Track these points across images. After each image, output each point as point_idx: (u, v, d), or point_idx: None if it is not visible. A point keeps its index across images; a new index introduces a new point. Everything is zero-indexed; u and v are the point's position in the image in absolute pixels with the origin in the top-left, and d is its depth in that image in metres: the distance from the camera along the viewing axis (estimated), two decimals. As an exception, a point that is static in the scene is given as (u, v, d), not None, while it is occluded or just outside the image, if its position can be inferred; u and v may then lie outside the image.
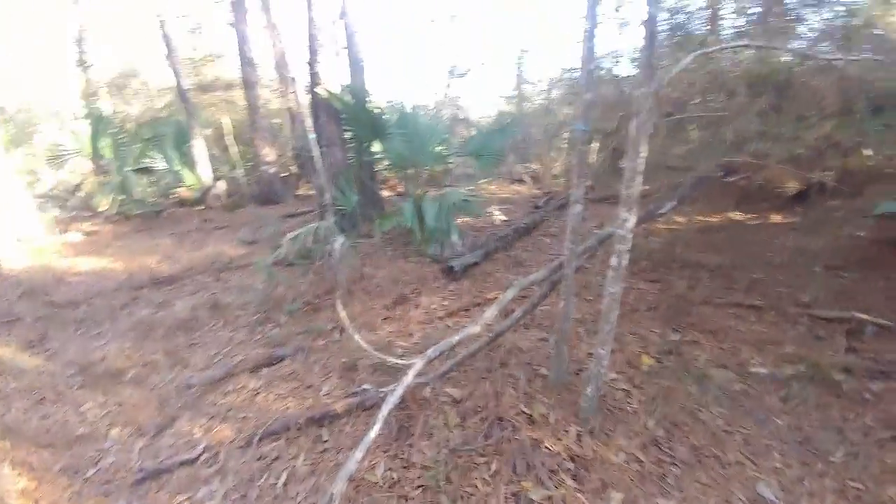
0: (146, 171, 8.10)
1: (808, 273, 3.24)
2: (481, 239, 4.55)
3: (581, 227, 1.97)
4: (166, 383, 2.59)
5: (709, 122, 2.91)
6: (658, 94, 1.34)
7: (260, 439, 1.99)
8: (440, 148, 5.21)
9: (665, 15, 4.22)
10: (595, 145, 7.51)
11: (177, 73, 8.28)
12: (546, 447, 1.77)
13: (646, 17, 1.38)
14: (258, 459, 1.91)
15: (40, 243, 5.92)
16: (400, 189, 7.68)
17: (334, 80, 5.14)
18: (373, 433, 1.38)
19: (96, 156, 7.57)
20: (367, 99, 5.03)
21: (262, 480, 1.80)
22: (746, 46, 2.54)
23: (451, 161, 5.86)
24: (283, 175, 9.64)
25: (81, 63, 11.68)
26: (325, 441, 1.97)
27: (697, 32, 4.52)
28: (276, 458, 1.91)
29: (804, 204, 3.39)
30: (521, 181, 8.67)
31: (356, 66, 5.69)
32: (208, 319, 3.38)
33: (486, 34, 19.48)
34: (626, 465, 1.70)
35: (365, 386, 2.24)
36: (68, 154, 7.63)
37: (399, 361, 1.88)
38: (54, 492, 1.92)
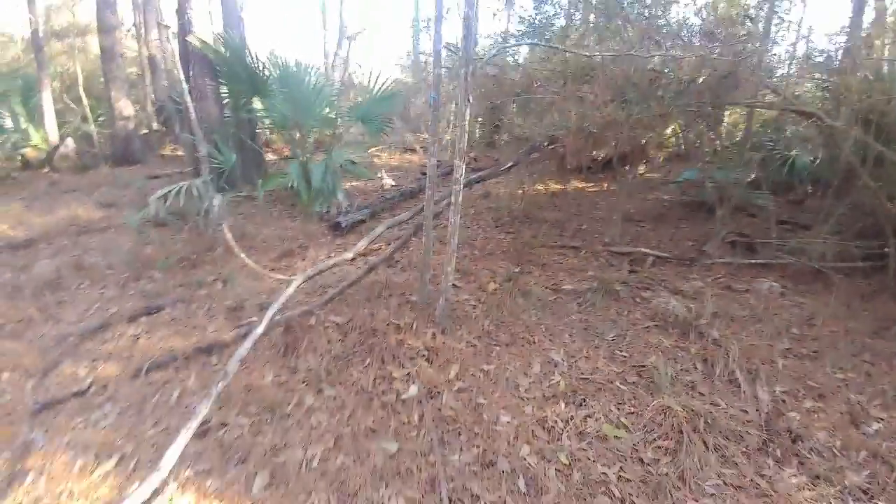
0: None
1: (611, 222, 4.33)
2: (369, 200, 4.90)
3: (438, 179, 2.48)
4: (43, 335, 2.50)
5: (547, 103, 3.65)
6: (469, 77, 1.85)
7: (148, 370, 2.14)
8: (327, 110, 5.31)
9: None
10: (479, 120, 8.27)
11: (32, 20, 6.74)
12: (408, 344, 2.29)
13: (464, 15, 1.87)
14: (149, 385, 2.09)
15: None
16: (286, 152, 7.50)
17: (209, 30, 4.82)
18: (260, 328, 1.71)
19: None
20: (245, 51, 4.82)
21: (156, 398, 2.00)
22: (533, 44, 3.27)
23: (339, 125, 5.98)
24: (143, 132, 8.54)
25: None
26: (215, 364, 2.21)
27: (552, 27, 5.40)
28: (167, 383, 2.11)
29: (605, 170, 4.44)
30: (412, 150, 9.10)
31: (232, 16, 5.36)
32: (74, 279, 3.18)
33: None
34: (465, 349, 2.32)
35: (253, 318, 2.50)
36: None
37: (280, 277, 2.19)
38: None
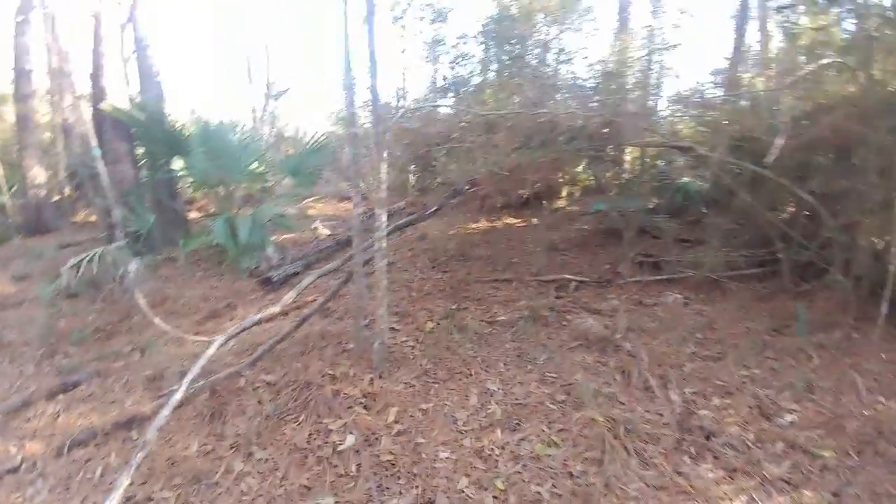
0: None
1: (539, 254, 4.67)
2: (304, 251, 4.85)
3: (365, 225, 2.58)
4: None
5: (465, 151, 3.98)
6: (383, 135, 2.04)
7: (69, 448, 1.98)
8: (255, 165, 5.30)
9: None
10: (413, 167, 8.64)
11: None
12: (344, 393, 2.27)
13: (370, 86, 2.08)
14: (72, 462, 1.95)
15: None
16: (212, 209, 7.26)
17: (126, 94, 4.73)
18: (179, 394, 1.63)
19: None
20: (162, 113, 4.77)
21: (80, 476, 1.84)
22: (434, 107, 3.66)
23: (270, 179, 5.96)
24: (55, 199, 7.90)
25: None
26: (136, 438, 2.04)
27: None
28: (89, 460, 1.96)
29: (529, 207, 4.86)
30: (349, 199, 9.19)
31: (149, 79, 5.30)
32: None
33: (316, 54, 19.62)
34: (404, 391, 2.33)
35: (174, 387, 2.33)
36: None
37: (201, 339, 2.10)
38: None
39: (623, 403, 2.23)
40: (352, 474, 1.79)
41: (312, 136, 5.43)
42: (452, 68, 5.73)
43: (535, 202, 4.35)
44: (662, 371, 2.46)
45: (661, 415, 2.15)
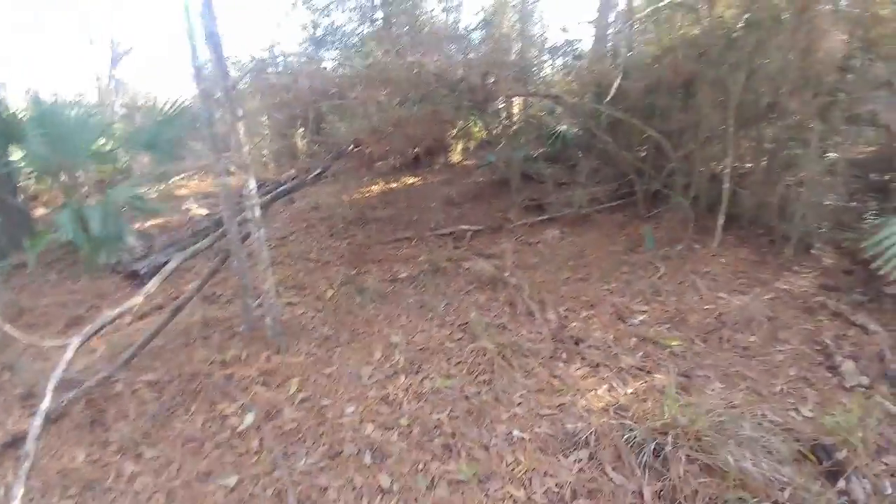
0: None
1: (438, 209, 4.81)
2: (176, 236, 4.32)
3: (234, 198, 2.38)
4: None
5: (345, 108, 3.80)
6: (230, 92, 1.85)
7: None
8: (102, 142, 4.45)
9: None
10: (301, 131, 7.99)
11: None
12: (239, 375, 2.18)
13: (209, 35, 1.84)
14: None
15: None
16: (59, 200, 6.01)
17: None
18: (45, 404, 1.42)
19: None
20: None
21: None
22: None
23: (121, 159, 5.07)
24: None
25: None
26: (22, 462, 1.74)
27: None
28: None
29: (423, 165, 4.92)
30: (230, 173, 8.26)
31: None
32: None
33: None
34: (304, 360, 2.32)
35: (42, 405, 2.01)
36: None
37: (54, 342, 1.84)
38: None
39: (510, 330, 2.50)
40: (254, 450, 1.77)
41: (165, 103, 4.67)
42: (328, 14, 5.26)
43: (429, 159, 4.38)
44: (542, 297, 2.79)
45: (540, 333, 2.47)
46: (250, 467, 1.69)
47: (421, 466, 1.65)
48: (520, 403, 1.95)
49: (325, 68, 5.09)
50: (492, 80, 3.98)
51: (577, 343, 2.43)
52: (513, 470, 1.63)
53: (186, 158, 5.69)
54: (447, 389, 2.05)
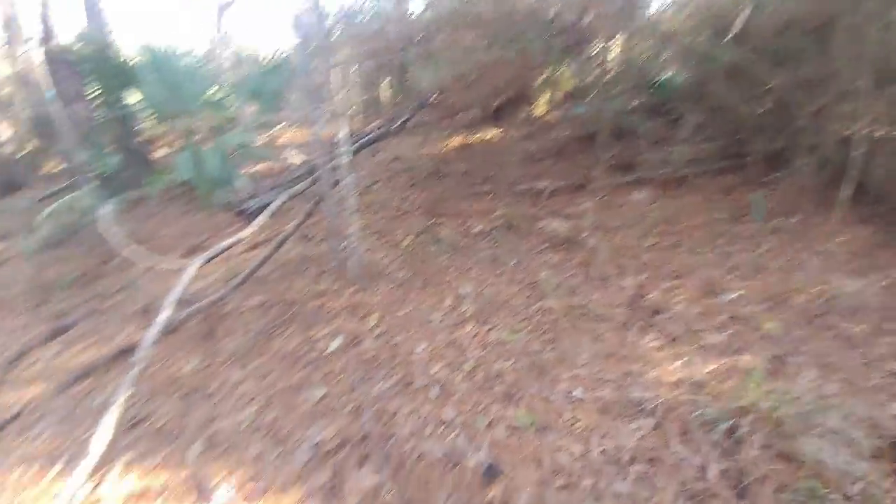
0: None
1: (516, 164, 4.67)
2: (278, 181, 4.79)
3: (324, 142, 2.55)
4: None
5: (431, 55, 3.74)
6: (325, 40, 1.92)
7: (71, 384, 2.14)
8: (211, 92, 4.97)
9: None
10: (389, 80, 8.10)
11: None
12: (328, 307, 2.46)
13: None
14: (73, 397, 2.10)
15: None
16: (177, 144, 6.95)
17: (72, 31, 4.26)
18: (165, 314, 1.78)
19: None
20: (107, 45, 4.33)
21: (85, 406, 2.04)
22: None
23: (229, 107, 5.62)
24: (22, 154, 7.52)
25: None
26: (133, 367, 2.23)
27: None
28: (92, 391, 2.12)
29: (504, 118, 4.73)
30: (324, 122, 8.75)
31: (92, 10, 4.77)
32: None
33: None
34: (382, 300, 2.53)
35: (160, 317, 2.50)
36: None
37: (179, 262, 2.22)
38: None
39: (581, 293, 2.45)
40: (338, 371, 2.03)
41: (266, 55, 5.01)
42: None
43: (511, 111, 4.20)
44: (620, 262, 2.65)
45: (614, 299, 2.38)
46: (334, 385, 1.95)
47: (482, 407, 1.76)
48: (583, 365, 1.95)
49: (412, 13, 5.00)
50: (589, 18, 3.60)
51: (654, 314, 2.31)
52: (571, 426, 1.68)
53: (285, 108, 6.16)
54: (511, 342, 2.11)
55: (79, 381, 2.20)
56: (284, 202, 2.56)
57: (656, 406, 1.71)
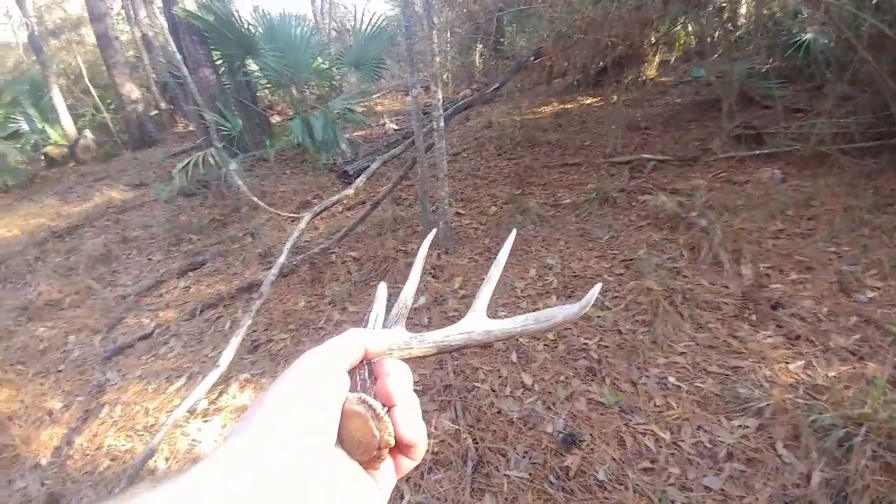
0: (15, 135, 7.11)
1: (616, 134, 4.28)
2: (374, 146, 5.03)
3: (420, 107, 2.59)
4: (103, 300, 2.95)
5: (531, 14, 3.53)
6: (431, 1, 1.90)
7: (201, 310, 2.55)
8: (319, 61, 5.31)
9: None
10: (479, 46, 7.93)
11: (28, 23, 6.90)
12: (415, 265, 2.57)
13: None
14: (204, 322, 2.50)
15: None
16: (289, 111, 7.60)
17: None
18: (282, 257, 2.02)
19: None
20: (230, 12, 4.77)
21: (211, 330, 2.41)
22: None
23: (335, 76, 5.97)
24: (153, 113, 8.80)
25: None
26: (255, 298, 2.58)
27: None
28: (219, 317, 2.51)
29: (607, 82, 4.31)
30: (423, 87, 8.91)
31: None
32: (122, 251, 3.63)
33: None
34: (467, 265, 2.57)
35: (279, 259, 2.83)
36: None
37: (293, 215, 2.47)
38: (35, 389, 2.35)
39: (686, 276, 2.22)
40: (424, 324, 2.14)
41: (369, 22, 5.15)
42: None
43: (617, 74, 3.83)
44: (737, 247, 2.33)
45: (726, 287, 2.12)
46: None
47: (562, 378, 1.73)
48: (682, 353, 1.79)
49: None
50: None
51: (774, 307, 2.01)
52: (661, 412, 1.57)
53: (383, 78, 6.37)
54: (599, 319, 2.01)
55: (206, 309, 2.62)
56: (382, 164, 2.68)
57: (765, 406, 1.53)
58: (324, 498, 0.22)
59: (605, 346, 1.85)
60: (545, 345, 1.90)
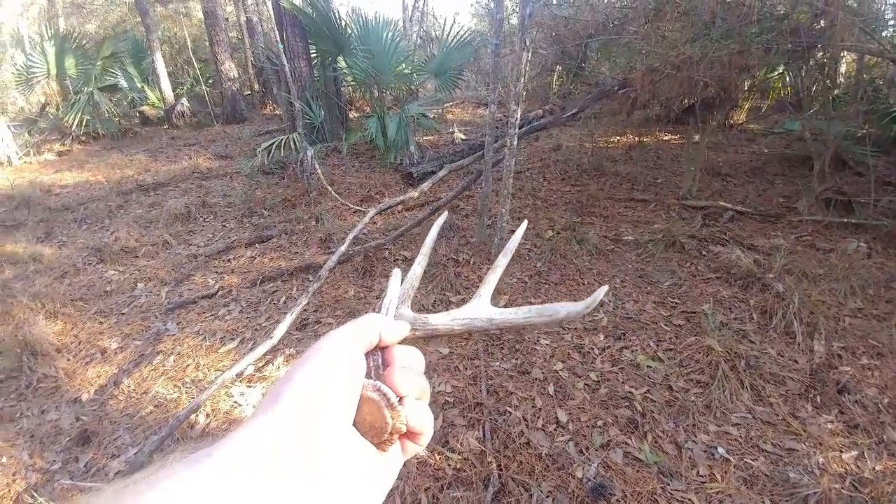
0: (111, 88, 7.96)
1: (693, 176, 4.07)
2: (440, 153, 5.13)
3: (495, 126, 2.61)
4: (176, 255, 3.23)
5: (621, 45, 3.47)
6: (527, 20, 1.92)
7: (262, 281, 2.72)
8: (403, 66, 5.52)
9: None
10: (558, 68, 7.89)
11: None
12: (464, 275, 2.58)
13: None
14: (262, 292, 2.66)
15: (17, 164, 6.07)
16: (367, 109, 7.94)
17: None
18: (343, 247, 2.11)
19: (62, 76, 7.35)
20: (329, 11, 5.11)
21: (268, 301, 2.56)
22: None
23: (415, 81, 6.18)
24: (246, 94, 9.50)
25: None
26: (311, 279, 2.71)
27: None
28: (276, 291, 2.66)
29: (691, 120, 4.11)
30: (485, 105, 9.03)
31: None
32: (200, 214, 3.95)
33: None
34: (516, 284, 2.54)
35: (339, 246, 2.95)
36: (37, 77, 7.33)
37: (358, 208, 2.57)
38: (92, 326, 2.56)
39: (752, 342, 2.06)
40: (465, 336, 2.14)
41: (456, 34, 5.29)
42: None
43: (702, 113, 3.64)
44: (813, 319, 2.13)
45: (795, 361, 1.94)
46: (459, 347, 2.07)
47: (600, 423, 1.66)
48: (737, 424, 1.66)
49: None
50: (824, 22, 2.85)
51: (840, 392, 1.83)
52: (703, 483, 1.46)
53: (458, 88, 6.51)
54: (648, 369, 1.91)
55: (266, 281, 2.78)
56: (449, 172, 2.73)
57: (811, 494, 1.40)
58: (342, 472, 0.25)
59: (652, 400, 1.75)
60: (586, 384, 1.84)
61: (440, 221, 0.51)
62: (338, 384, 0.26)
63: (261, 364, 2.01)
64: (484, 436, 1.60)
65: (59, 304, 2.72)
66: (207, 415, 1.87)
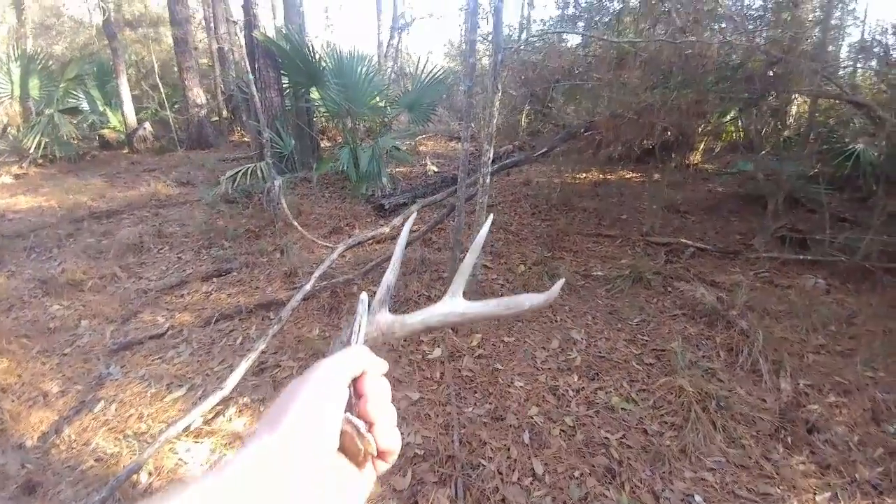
0: (72, 110, 7.61)
1: (655, 213, 4.25)
2: (413, 185, 5.14)
3: (471, 163, 2.64)
4: (125, 290, 2.98)
5: (586, 90, 3.65)
6: (498, 65, 1.97)
7: (217, 320, 2.53)
8: (377, 99, 5.59)
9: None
10: (527, 108, 8.23)
11: (104, 7, 7.60)
12: (436, 314, 2.50)
13: (493, 8, 1.99)
14: (217, 331, 2.47)
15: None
16: (339, 139, 7.94)
17: (271, 23, 5.23)
18: (308, 286, 1.99)
19: (24, 97, 6.98)
20: (304, 45, 5.15)
21: (223, 342, 2.37)
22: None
23: (388, 114, 6.26)
24: (213, 120, 9.32)
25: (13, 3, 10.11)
26: (272, 318, 2.55)
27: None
28: (233, 330, 2.47)
29: (651, 160, 4.35)
30: (457, 139, 9.25)
31: (293, 9, 5.77)
32: (154, 244, 3.71)
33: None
34: (487, 323, 2.48)
35: (304, 282, 2.82)
36: (0, 98, 6.93)
37: (325, 244, 2.47)
38: (35, 367, 2.33)
39: (721, 381, 2.07)
40: (436, 379, 2.04)
41: (429, 72, 5.44)
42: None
43: (662, 155, 3.85)
44: (778, 357, 2.18)
45: (763, 400, 1.96)
46: (430, 392, 1.96)
47: (577, 475, 1.59)
48: (712, 469, 1.63)
49: (572, 47, 4.96)
50: (777, 69, 3.13)
51: (810, 431, 1.85)
52: (683, 534, 1.40)
53: (431, 122, 6.64)
54: (623, 412, 1.87)
55: (222, 320, 2.59)
56: (422, 207, 2.70)
57: None
58: (335, 485, 0.30)
59: (628, 446, 1.70)
60: (562, 430, 1.77)
61: (409, 223, 0.55)
62: (329, 412, 0.30)
63: (210, 416, 1.83)
64: (456, 494, 1.48)
65: (5, 341, 2.45)
66: (150, 473, 1.66)
